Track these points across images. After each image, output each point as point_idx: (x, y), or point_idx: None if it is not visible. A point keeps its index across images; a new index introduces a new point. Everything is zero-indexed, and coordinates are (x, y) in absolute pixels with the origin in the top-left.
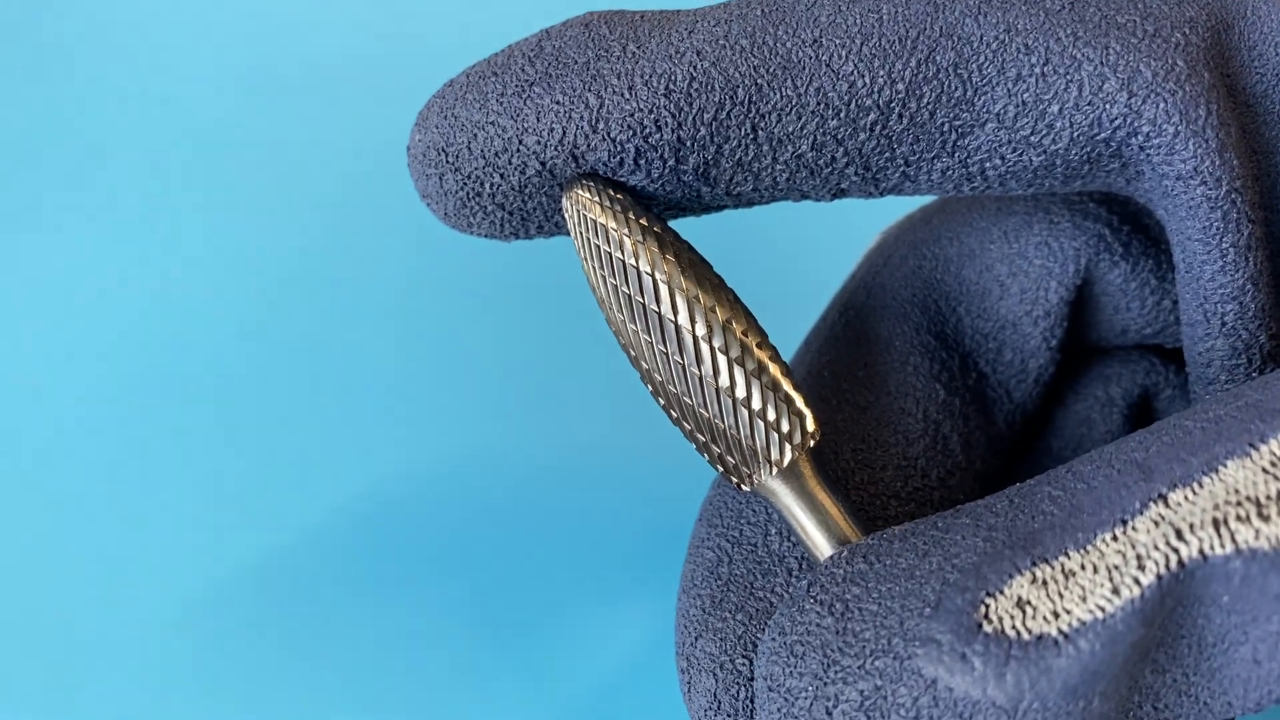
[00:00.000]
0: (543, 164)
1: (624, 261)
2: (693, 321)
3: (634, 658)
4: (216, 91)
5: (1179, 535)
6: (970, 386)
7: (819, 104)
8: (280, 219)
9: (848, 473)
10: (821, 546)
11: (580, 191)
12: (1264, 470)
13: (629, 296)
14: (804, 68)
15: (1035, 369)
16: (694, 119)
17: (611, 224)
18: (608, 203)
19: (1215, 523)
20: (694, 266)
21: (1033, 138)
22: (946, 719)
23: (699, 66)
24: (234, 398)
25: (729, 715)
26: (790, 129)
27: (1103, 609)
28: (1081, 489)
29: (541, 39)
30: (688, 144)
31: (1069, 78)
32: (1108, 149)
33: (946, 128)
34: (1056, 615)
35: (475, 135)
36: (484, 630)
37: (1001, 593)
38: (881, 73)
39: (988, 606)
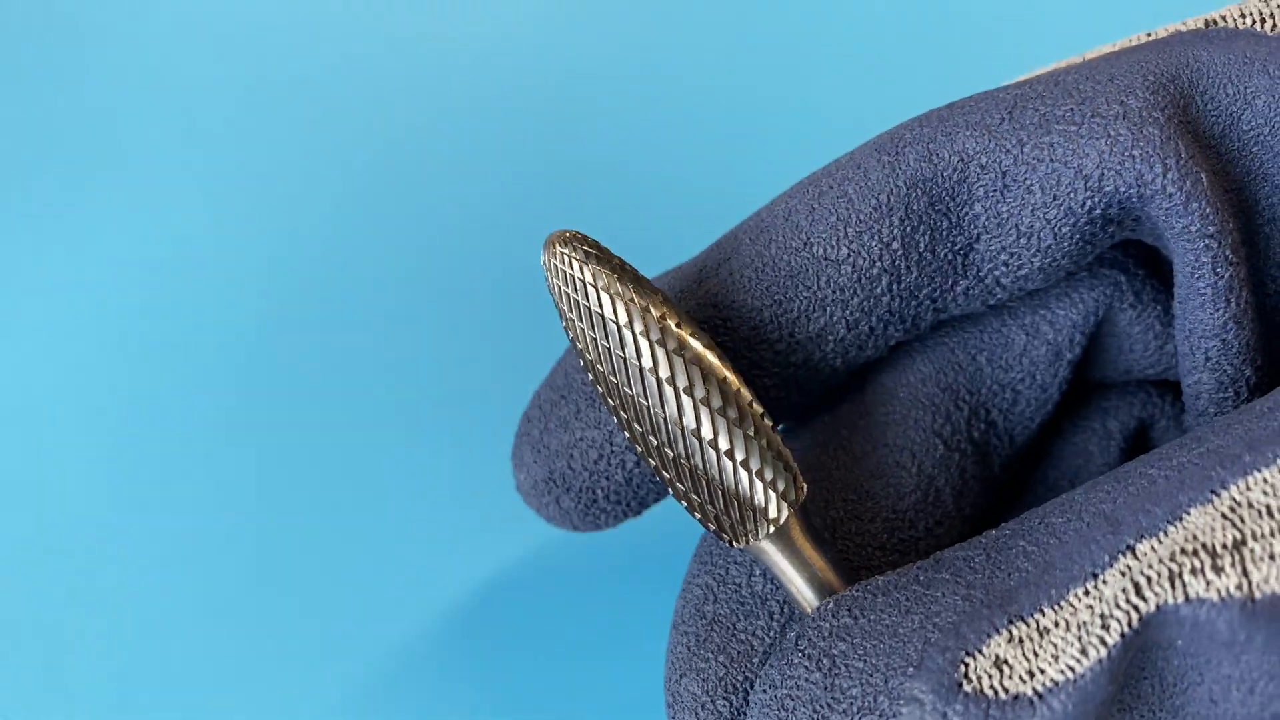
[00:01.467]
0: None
1: (617, 326)
2: (691, 386)
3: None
4: (218, 92)
5: (1138, 591)
6: (974, 439)
7: (835, 292)
8: (286, 219)
9: (836, 522)
10: (807, 598)
11: (560, 247)
12: (1223, 516)
13: (623, 360)
14: (807, 270)
15: (1042, 415)
16: (735, 353)
17: (598, 281)
18: (591, 260)
19: (1170, 575)
20: (685, 325)
21: (1021, 242)
22: None
23: (720, 314)
24: (234, 398)
25: None
26: (821, 323)
27: (1073, 669)
28: (1053, 543)
29: None
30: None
31: (1026, 186)
32: (1095, 226)
33: (949, 255)
34: (1032, 675)
35: (572, 454)
36: (483, 635)
37: (980, 652)
38: (874, 243)
39: (967, 666)
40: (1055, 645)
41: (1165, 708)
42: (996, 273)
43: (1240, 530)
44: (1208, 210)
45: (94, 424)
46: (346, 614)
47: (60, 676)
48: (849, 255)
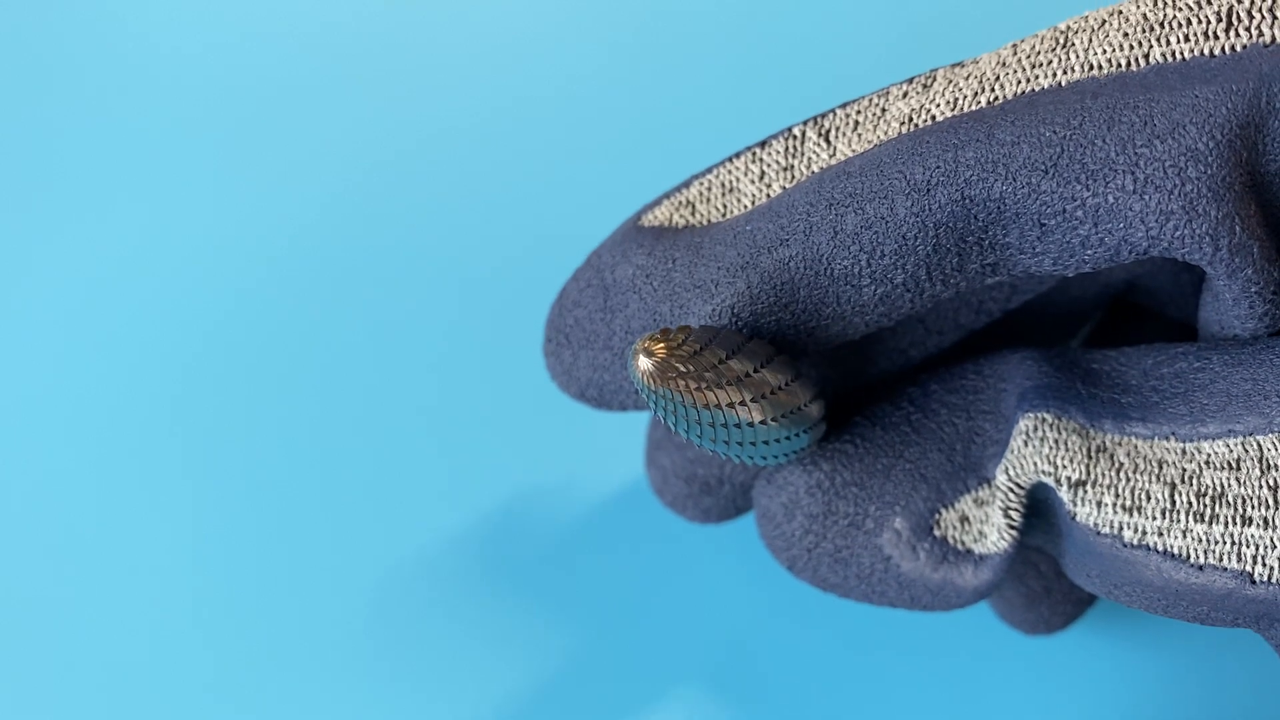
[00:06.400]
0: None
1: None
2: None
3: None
4: (217, 91)
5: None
6: (961, 324)
7: (855, 307)
8: (282, 216)
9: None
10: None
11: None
12: (1089, 455)
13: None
14: (828, 291)
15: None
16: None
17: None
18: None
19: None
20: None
21: (1056, 264)
22: (890, 583)
23: (737, 322)
24: (242, 399)
25: (669, 504)
26: (840, 327)
27: (999, 545)
28: (1005, 419)
29: None
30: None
31: (1066, 239)
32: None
33: (978, 268)
34: (982, 535)
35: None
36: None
37: (953, 506)
38: (899, 274)
39: (940, 515)
40: (999, 512)
41: (1060, 548)
42: (1027, 272)
43: (1090, 473)
44: (1251, 274)
45: (87, 416)
46: (343, 609)
47: (55, 670)
48: (871, 283)
